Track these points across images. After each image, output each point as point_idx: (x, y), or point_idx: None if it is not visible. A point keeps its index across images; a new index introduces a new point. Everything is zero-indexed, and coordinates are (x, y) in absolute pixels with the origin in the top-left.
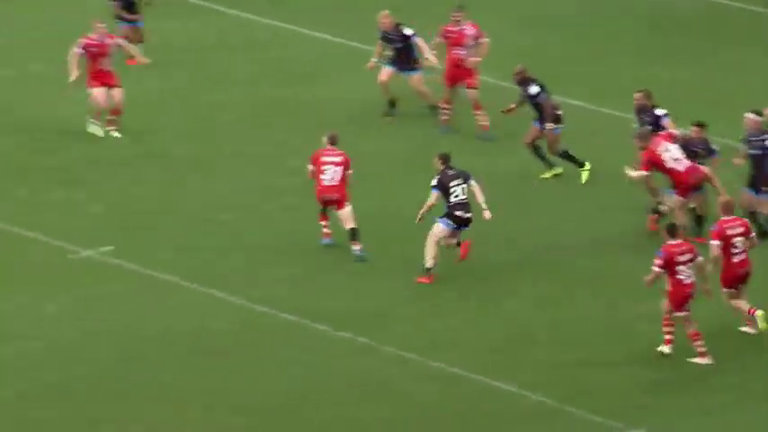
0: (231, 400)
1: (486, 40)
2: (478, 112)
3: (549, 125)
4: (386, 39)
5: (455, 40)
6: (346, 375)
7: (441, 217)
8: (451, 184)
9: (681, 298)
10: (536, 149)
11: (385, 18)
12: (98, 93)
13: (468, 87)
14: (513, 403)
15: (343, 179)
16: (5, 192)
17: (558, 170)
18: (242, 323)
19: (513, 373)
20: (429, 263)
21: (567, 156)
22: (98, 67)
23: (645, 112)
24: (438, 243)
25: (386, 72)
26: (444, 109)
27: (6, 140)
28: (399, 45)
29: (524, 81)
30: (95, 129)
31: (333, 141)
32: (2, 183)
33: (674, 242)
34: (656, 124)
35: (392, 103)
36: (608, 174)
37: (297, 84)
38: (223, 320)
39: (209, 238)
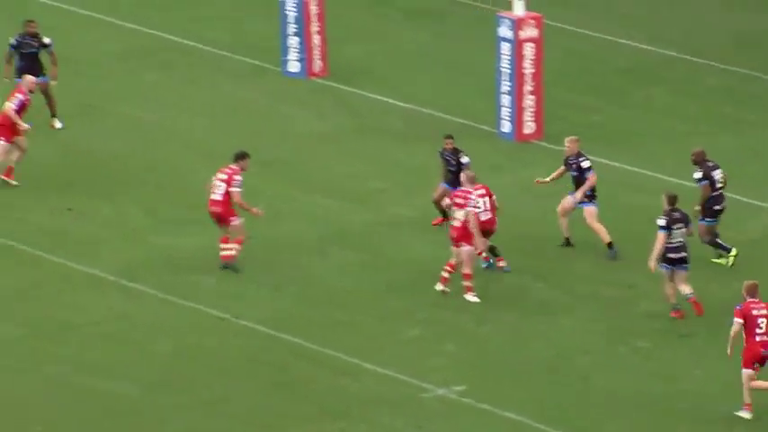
0: None
1: None
2: None
3: (696, 207)
4: (566, 164)
5: None
6: None
7: (660, 263)
8: (674, 226)
9: None
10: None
11: (571, 143)
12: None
13: None
14: None
15: (493, 207)
16: (358, 328)
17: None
18: None
19: None
20: (671, 301)
21: (713, 243)
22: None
23: None
24: (669, 287)
25: (567, 202)
26: None
27: (361, 277)
28: (575, 174)
29: (697, 163)
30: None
31: (471, 181)
32: (355, 317)
33: None
34: None
35: (568, 241)
36: None
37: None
38: None
39: (560, 381)
